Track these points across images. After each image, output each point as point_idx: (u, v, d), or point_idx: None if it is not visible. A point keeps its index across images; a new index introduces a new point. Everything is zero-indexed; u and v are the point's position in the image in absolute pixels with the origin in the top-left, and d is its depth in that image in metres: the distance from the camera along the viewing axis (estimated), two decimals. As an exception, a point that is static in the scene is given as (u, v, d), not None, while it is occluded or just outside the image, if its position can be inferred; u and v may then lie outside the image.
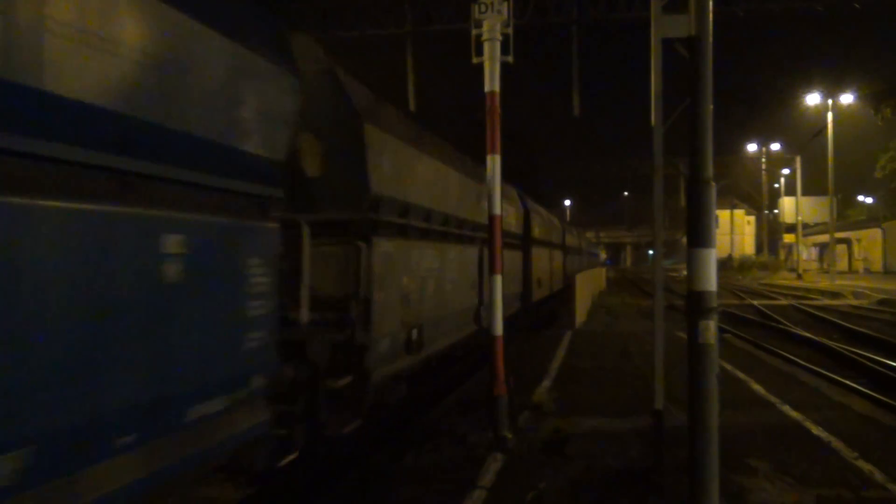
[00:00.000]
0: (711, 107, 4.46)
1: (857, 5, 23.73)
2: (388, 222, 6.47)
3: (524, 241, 15.34)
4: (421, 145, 7.77)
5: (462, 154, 10.20)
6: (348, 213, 5.91)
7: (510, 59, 6.75)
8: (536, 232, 16.91)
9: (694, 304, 4.41)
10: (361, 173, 5.88)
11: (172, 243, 3.15)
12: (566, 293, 22.44)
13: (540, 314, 18.87)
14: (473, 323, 10.05)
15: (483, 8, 6.64)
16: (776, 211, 64.68)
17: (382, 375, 6.22)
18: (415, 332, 7.12)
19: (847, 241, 61.83)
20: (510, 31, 6.75)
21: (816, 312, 21.00)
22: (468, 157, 10.46)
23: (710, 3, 4.54)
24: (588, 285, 22.29)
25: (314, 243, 4.96)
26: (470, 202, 9.77)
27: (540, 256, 17.96)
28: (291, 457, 4.71)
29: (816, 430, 6.84)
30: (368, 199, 5.96)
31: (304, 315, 4.72)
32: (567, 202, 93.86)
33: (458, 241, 9.19)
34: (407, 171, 7.08)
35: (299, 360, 4.73)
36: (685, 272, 4.71)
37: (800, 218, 47.33)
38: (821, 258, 65.80)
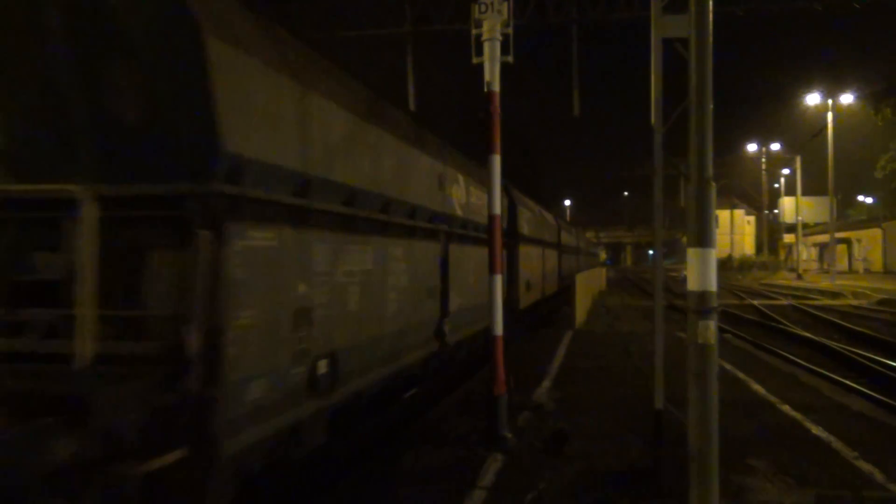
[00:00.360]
0: (711, 107, 4.46)
1: (856, 5, 23.72)
2: (267, 201, 4.27)
3: (509, 239, 13.75)
4: (341, 98, 5.47)
5: (420, 126, 8.04)
6: (182, 184, 3.70)
7: (510, 59, 6.76)
8: (525, 228, 15.55)
9: (694, 304, 4.41)
10: (205, 118, 3.67)
11: None
12: (562, 297, 22.21)
13: (535, 317, 18.13)
14: (434, 340, 8.08)
15: (483, 8, 6.65)
16: (776, 211, 64.73)
17: (253, 440, 4.09)
18: (324, 364, 5.04)
19: (847, 241, 61.89)
20: (510, 31, 6.76)
21: (816, 312, 21.00)
22: (430, 131, 8.35)
23: (710, 3, 4.54)
24: (588, 285, 22.20)
25: (132, 233, 3.60)
26: (427, 185, 7.72)
27: (529, 256, 16.39)
28: None
29: (816, 430, 6.84)
30: (220, 160, 3.77)
31: (85, 351, 3.15)
32: (567, 202, 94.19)
33: (407, 234, 7.05)
34: (309, 128, 4.86)
35: (81, 428, 3.03)
36: (685, 272, 4.71)
37: (800, 218, 47.38)
38: (821, 258, 65.87)
